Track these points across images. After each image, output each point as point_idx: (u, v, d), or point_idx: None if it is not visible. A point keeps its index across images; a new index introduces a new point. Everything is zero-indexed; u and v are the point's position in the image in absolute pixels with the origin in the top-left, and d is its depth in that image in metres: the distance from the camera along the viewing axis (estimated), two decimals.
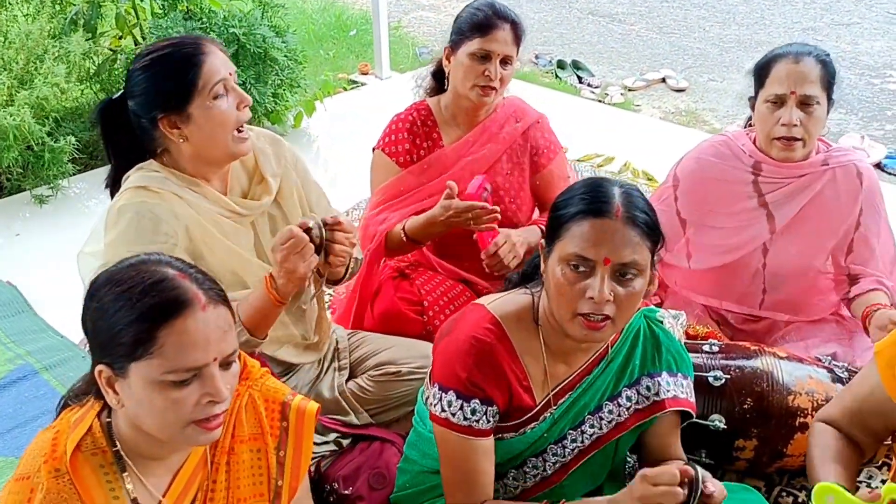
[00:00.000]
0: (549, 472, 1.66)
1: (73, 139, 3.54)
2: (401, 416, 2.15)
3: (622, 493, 1.43)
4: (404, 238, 2.25)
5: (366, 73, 5.07)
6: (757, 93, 2.24)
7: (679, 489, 1.35)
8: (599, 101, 4.83)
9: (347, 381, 2.16)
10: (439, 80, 2.46)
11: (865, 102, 4.91)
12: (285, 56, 3.96)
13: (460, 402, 1.53)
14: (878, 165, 4.02)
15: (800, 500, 2.04)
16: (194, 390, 1.22)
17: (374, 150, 2.48)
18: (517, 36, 2.31)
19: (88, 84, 4.06)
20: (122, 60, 4.14)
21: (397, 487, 1.87)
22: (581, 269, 1.44)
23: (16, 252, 3.26)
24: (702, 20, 6.38)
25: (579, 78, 5.13)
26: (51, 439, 1.29)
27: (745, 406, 1.96)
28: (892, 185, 3.83)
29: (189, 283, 1.24)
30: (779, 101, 2.16)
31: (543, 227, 2.33)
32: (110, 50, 4.18)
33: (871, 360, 1.63)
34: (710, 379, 1.97)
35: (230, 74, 1.80)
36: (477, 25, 2.27)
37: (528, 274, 1.68)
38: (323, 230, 1.76)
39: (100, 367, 1.23)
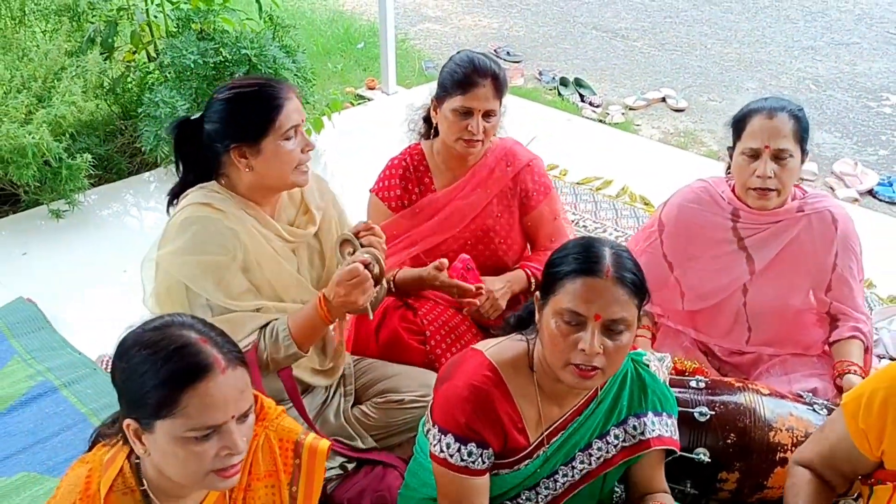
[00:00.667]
0: (542, 503, 1.77)
1: (89, 156, 3.65)
2: (403, 441, 2.27)
3: None
4: (392, 287, 2.41)
5: (372, 89, 5.18)
6: (734, 144, 2.35)
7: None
8: (600, 120, 4.94)
9: (352, 406, 2.28)
10: (430, 124, 2.56)
11: (860, 126, 5.02)
12: (295, 75, 4.08)
13: (458, 444, 1.65)
14: (871, 192, 4.12)
15: None
16: (214, 444, 1.34)
17: (370, 191, 2.60)
18: (498, 89, 2.39)
19: (103, 99, 4.18)
20: (135, 76, 4.26)
21: None
22: (573, 322, 1.56)
23: (33, 267, 3.37)
24: (703, 37, 6.48)
25: (581, 96, 5.24)
26: (84, 476, 1.41)
27: (729, 441, 2.07)
28: (882, 213, 3.94)
29: (210, 347, 1.36)
30: (754, 155, 2.27)
31: (530, 271, 2.50)
32: (124, 65, 4.29)
33: (839, 409, 1.76)
34: (696, 414, 2.08)
35: (302, 121, 2.00)
36: (457, 83, 2.37)
37: (525, 319, 1.79)
38: (381, 264, 1.94)
39: (128, 420, 1.35)
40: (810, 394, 2.23)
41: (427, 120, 2.59)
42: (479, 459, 1.66)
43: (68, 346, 2.80)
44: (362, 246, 1.98)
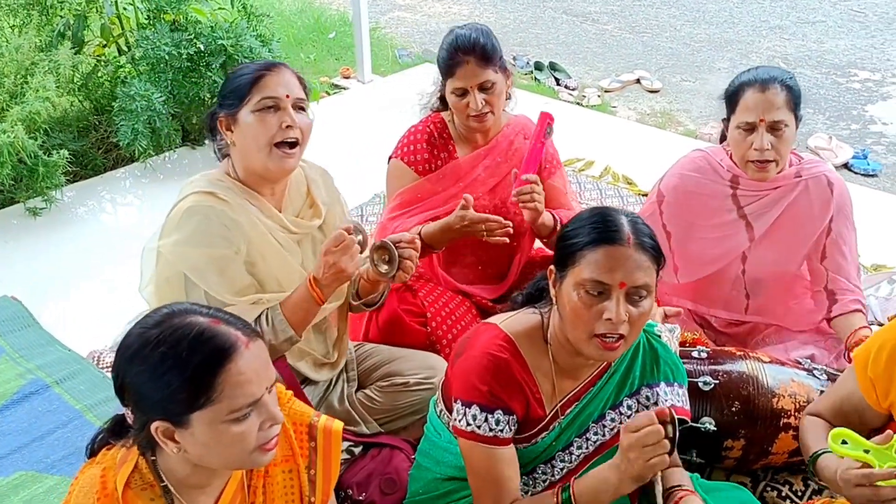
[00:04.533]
0: (557, 477, 1.78)
1: (65, 152, 3.58)
2: (408, 424, 2.27)
3: (616, 456, 1.56)
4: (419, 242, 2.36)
5: (347, 78, 5.14)
6: (729, 116, 2.36)
7: (659, 426, 1.48)
8: (577, 103, 4.96)
9: (356, 391, 2.27)
10: (444, 100, 2.54)
11: (832, 102, 5.09)
12: None
13: (484, 414, 1.64)
14: (846, 166, 4.18)
15: (783, 493, 2.20)
16: (254, 420, 1.32)
17: (390, 159, 2.59)
18: (486, 59, 2.36)
19: (75, 95, 4.10)
20: (106, 70, 4.18)
21: (410, 493, 1.98)
22: (597, 293, 1.55)
23: (13, 265, 3.30)
24: (672, 19, 6.54)
25: (557, 80, 5.25)
26: (99, 476, 1.36)
27: (733, 409, 2.09)
28: (859, 185, 4.01)
29: (225, 326, 1.32)
30: (750, 128, 2.27)
31: (555, 214, 2.47)
32: (94, 59, 4.21)
33: (851, 364, 1.79)
34: (700, 384, 2.10)
35: (287, 97, 1.92)
36: (445, 68, 2.40)
37: (534, 295, 1.79)
38: (364, 232, 1.94)
39: (156, 423, 1.30)
40: (808, 360, 2.26)
41: (442, 99, 2.58)
42: (507, 427, 1.65)
43: (57, 343, 2.74)
44: (400, 257, 1.97)
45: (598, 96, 5.03)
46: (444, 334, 2.39)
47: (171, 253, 1.91)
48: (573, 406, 1.74)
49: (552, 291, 1.67)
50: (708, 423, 2.08)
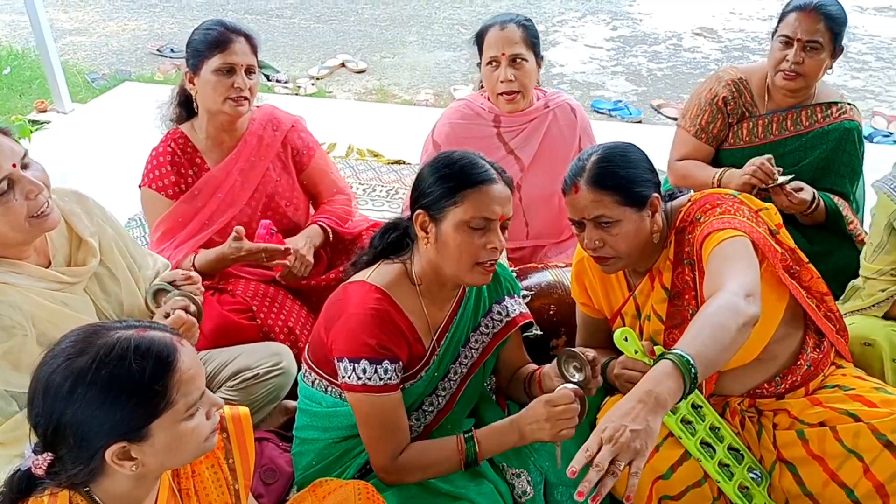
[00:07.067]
0: (442, 403, 1.95)
1: None
2: (266, 415, 2.30)
3: (524, 415, 1.73)
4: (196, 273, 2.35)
5: (44, 111, 4.77)
6: (480, 59, 2.68)
7: (576, 405, 1.70)
8: (294, 93, 5.06)
9: None
10: (187, 106, 2.54)
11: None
12: None
13: (374, 366, 1.76)
14: None
15: None
16: (202, 411, 1.34)
17: (140, 187, 2.52)
18: (253, 46, 2.46)
19: None
20: None
21: (302, 468, 2.02)
22: (480, 227, 1.75)
23: None
24: (352, 4, 6.84)
25: (267, 76, 5.31)
26: None
27: (550, 312, 2.39)
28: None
29: (153, 332, 1.32)
30: (494, 63, 2.62)
31: (325, 223, 2.60)
32: None
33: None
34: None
35: (14, 166, 1.65)
36: (213, 43, 2.40)
37: (387, 249, 1.92)
38: (195, 301, 1.87)
39: (110, 449, 1.26)
40: None
41: (182, 104, 2.55)
42: (394, 374, 1.78)
43: None
44: (185, 295, 1.90)
45: (312, 84, 5.18)
46: (274, 322, 2.43)
47: None
48: (445, 337, 1.92)
49: (421, 234, 1.81)
50: (535, 330, 2.36)
